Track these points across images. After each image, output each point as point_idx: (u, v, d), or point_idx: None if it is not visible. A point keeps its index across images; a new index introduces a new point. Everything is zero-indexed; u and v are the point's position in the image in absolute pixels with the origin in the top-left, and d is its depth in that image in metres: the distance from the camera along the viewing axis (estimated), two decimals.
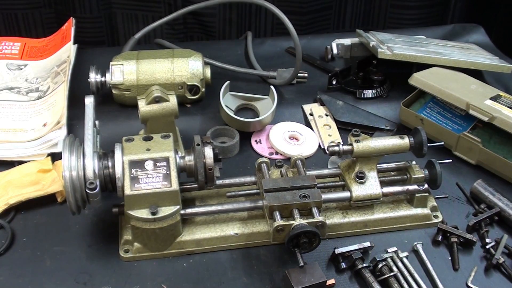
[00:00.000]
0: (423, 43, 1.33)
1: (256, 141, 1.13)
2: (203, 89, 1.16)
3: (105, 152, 0.87)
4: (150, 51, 1.22)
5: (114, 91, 1.15)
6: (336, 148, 0.94)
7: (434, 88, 1.11)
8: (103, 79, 1.15)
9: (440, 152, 1.06)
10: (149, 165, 0.85)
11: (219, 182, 0.93)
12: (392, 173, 0.99)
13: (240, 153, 1.10)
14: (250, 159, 1.07)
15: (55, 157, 1.03)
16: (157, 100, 0.98)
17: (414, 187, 0.94)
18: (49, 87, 1.19)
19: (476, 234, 0.94)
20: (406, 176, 0.96)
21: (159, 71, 1.15)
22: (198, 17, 1.47)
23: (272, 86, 1.17)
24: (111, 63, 1.15)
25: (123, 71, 1.14)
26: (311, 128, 1.16)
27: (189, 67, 1.16)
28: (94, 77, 1.15)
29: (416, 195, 0.95)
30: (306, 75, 1.27)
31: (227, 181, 0.94)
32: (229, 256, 0.90)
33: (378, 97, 1.25)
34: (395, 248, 0.90)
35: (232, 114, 1.11)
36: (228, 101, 1.16)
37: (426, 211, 0.96)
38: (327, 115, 1.19)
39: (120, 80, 1.14)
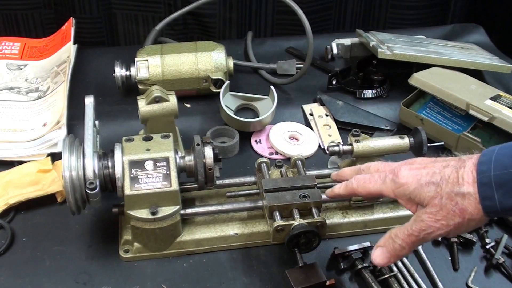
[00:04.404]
0: (423, 43, 1.33)
1: (256, 141, 1.13)
2: (228, 81, 1.17)
3: (105, 152, 0.87)
4: (173, 44, 1.24)
5: (140, 86, 1.17)
6: (336, 148, 0.94)
7: (434, 88, 1.11)
8: (127, 73, 1.17)
9: (440, 152, 1.06)
10: (149, 165, 0.85)
11: (219, 182, 0.93)
12: None
13: (240, 153, 1.10)
14: (250, 159, 1.07)
15: (55, 157, 1.03)
16: (157, 100, 0.98)
17: None
18: (49, 87, 1.19)
19: (475, 234, 0.94)
20: None
21: (184, 66, 1.17)
22: (198, 17, 1.47)
23: (272, 86, 1.17)
24: (136, 58, 1.17)
25: (148, 66, 1.16)
26: (311, 128, 1.16)
27: (212, 60, 1.17)
28: (119, 71, 1.17)
29: None
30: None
31: (227, 181, 0.94)
32: (229, 256, 0.90)
33: (378, 97, 1.25)
34: None
35: (232, 114, 1.11)
36: (228, 101, 1.16)
37: None
38: (327, 115, 1.19)
39: (146, 76, 1.16)
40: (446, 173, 0.69)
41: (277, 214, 0.86)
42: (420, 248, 0.90)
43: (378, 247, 0.74)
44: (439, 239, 0.92)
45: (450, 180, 0.68)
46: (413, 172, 0.72)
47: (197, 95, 1.21)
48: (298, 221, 0.84)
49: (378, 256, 0.74)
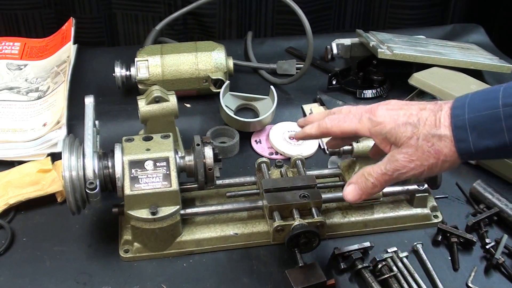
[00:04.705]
0: (423, 43, 1.33)
1: (256, 141, 1.13)
2: (228, 81, 1.17)
3: (105, 152, 0.87)
4: (173, 44, 1.24)
5: (140, 86, 1.17)
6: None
7: (434, 88, 1.11)
8: (127, 73, 1.18)
9: None
10: (149, 165, 0.85)
11: (219, 182, 0.93)
12: None
13: (240, 153, 1.10)
14: (250, 159, 1.07)
15: (55, 157, 1.03)
16: (157, 100, 0.98)
17: (414, 187, 0.94)
18: (49, 87, 1.19)
19: (475, 234, 0.94)
20: None
21: (184, 66, 1.17)
22: (198, 17, 1.47)
23: (272, 86, 1.17)
24: (136, 58, 1.17)
25: (148, 66, 1.16)
26: None
27: (212, 60, 1.18)
28: (119, 71, 1.17)
29: (416, 195, 0.95)
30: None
31: (227, 181, 0.94)
32: (229, 256, 0.90)
33: (378, 97, 1.25)
34: (395, 248, 0.90)
35: (232, 114, 1.11)
36: (228, 101, 1.16)
37: (426, 211, 0.96)
38: None
39: (146, 76, 1.16)
40: (423, 115, 0.70)
41: (277, 214, 0.86)
42: (420, 248, 0.90)
43: (350, 184, 0.75)
44: (439, 239, 0.92)
45: (427, 122, 0.69)
46: (390, 112, 0.73)
47: (197, 95, 1.21)
48: (298, 221, 0.84)
49: (349, 192, 0.75)
